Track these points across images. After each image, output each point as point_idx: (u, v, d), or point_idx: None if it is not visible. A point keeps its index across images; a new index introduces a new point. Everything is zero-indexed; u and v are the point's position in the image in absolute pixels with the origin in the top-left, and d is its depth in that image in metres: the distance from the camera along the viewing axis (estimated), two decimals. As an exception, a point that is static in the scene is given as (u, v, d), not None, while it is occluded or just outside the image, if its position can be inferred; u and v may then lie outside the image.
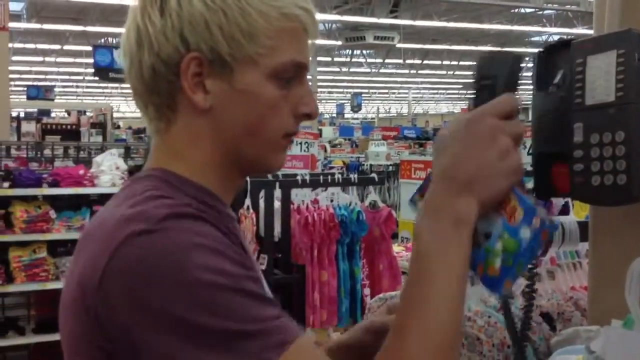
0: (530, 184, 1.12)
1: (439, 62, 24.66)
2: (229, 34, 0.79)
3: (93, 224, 0.80)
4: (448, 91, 34.41)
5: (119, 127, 19.51)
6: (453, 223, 0.74)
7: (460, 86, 30.82)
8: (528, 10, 16.59)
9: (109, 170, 5.24)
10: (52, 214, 5.03)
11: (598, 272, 1.27)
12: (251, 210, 3.84)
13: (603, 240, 1.25)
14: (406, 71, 25.66)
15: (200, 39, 0.79)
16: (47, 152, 7.73)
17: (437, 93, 35.37)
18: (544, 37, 19.55)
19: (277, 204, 3.83)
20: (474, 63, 0.88)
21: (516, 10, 17.02)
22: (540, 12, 17.24)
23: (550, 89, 1.14)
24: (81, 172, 5.25)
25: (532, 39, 20.81)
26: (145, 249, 0.69)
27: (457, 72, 26.22)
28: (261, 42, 0.79)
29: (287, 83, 0.82)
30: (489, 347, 1.36)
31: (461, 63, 24.71)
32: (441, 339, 0.71)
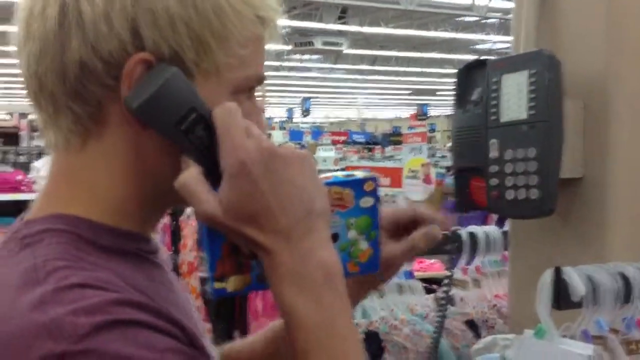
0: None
1: (387, 68, 24.96)
2: (199, 35, 0.61)
3: None
4: (396, 97, 34.84)
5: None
6: (324, 280, 0.60)
7: (409, 92, 31.25)
8: (472, 18, 16.96)
9: (48, 176, 5.13)
10: (-12, 221, 4.89)
11: (517, 281, 1.32)
12: (192, 218, 3.81)
13: (521, 250, 1.30)
14: (355, 77, 25.87)
15: (160, 37, 0.60)
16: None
17: (385, 99, 35.78)
18: (488, 45, 20.03)
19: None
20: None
21: (461, 18, 17.38)
22: (484, 21, 17.65)
23: (468, 106, 1.18)
24: (19, 177, 5.13)
25: (477, 46, 21.29)
26: None
27: (404, 78, 26.58)
28: (232, 50, 0.63)
29: (242, 99, 0.66)
30: (414, 355, 1.39)
31: (408, 69, 25.06)
32: None
